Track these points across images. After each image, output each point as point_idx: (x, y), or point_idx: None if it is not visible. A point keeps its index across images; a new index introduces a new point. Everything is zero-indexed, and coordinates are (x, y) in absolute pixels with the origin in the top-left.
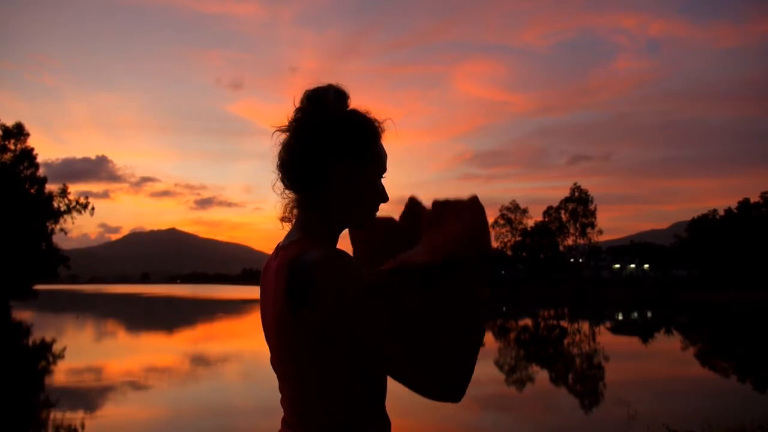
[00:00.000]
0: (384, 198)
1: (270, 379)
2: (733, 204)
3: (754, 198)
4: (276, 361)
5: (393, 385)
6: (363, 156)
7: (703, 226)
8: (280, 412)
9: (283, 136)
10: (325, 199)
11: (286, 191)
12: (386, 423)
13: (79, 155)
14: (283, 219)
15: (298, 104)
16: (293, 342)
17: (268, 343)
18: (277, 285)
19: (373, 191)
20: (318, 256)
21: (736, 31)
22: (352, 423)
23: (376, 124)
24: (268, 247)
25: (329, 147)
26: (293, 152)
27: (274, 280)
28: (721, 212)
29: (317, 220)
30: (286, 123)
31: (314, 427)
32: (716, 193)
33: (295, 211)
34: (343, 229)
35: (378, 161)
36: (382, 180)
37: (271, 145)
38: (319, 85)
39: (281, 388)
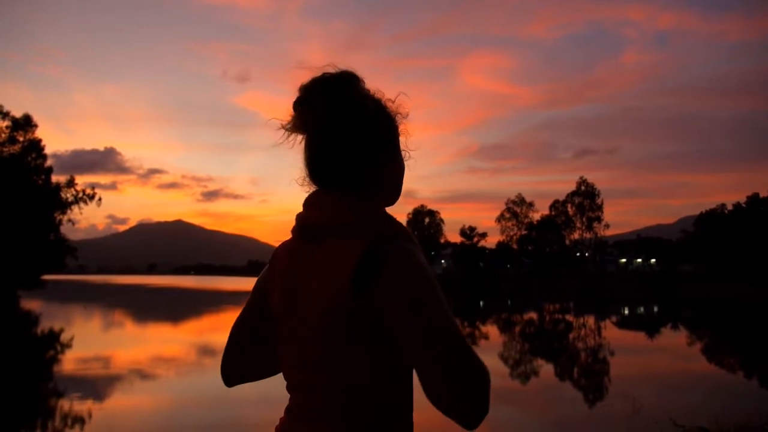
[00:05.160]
0: None
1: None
2: (741, 199)
3: (764, 193)
4: (315, 347)
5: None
6: (397, 143)
7: (712, 220)
8: (284, 403)
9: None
10: (371, 188)
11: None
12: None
13: (87, 147)
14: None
15: (320, 94)
16: (351, 327)
17: (301, 328)
18: (334, 270)
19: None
20: (396, 247)
21: (747, 23)
22: (393, 412)
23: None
24: (273, 239)
25: (374, 138)
26: (339, 146)
27: (328, 265)
28: (730, 207)
29: (365, 206)
30: (307, 111)
31: (358, 416)
32: (724, 188)
33: (327, 198)
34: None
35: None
36: None
37: (278, 138)
38: (336, 71)
39: (311, 378)
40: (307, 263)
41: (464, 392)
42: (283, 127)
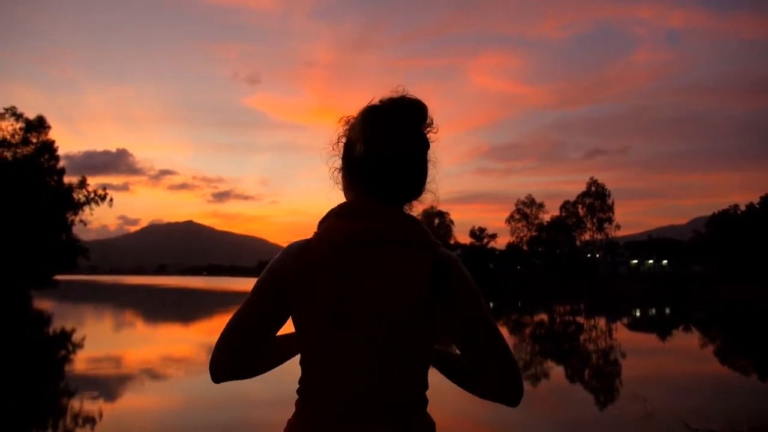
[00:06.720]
0: None
1: (282, 369)
2: (754, 199)
3: None
4: (382, 348)
5: None
6: None
7: (724, 221)
8: (291, 403)
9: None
10: (409, 201)
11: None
12: None
13: (99, 148)
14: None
15: (400, 110)
16: (422, 326)
17: (364, 330)
18: (412, 275)
19: None
20: (451, 254)
21: (760, 21)
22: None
23: None
24: (283, 239)
25: (426, 162)
26: (408, 166)
27: (404, 271)
28: (743, 207)
29: (417, 219)
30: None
31: (421, 408)
32: (737, 188)
33: (390, 211)
34: None
35: None
36: None
37: (288, 138)
38: (414, 97)
39: (373, 378)
40: (371, 269)
41: (515, 375)
42: (340, 136)
